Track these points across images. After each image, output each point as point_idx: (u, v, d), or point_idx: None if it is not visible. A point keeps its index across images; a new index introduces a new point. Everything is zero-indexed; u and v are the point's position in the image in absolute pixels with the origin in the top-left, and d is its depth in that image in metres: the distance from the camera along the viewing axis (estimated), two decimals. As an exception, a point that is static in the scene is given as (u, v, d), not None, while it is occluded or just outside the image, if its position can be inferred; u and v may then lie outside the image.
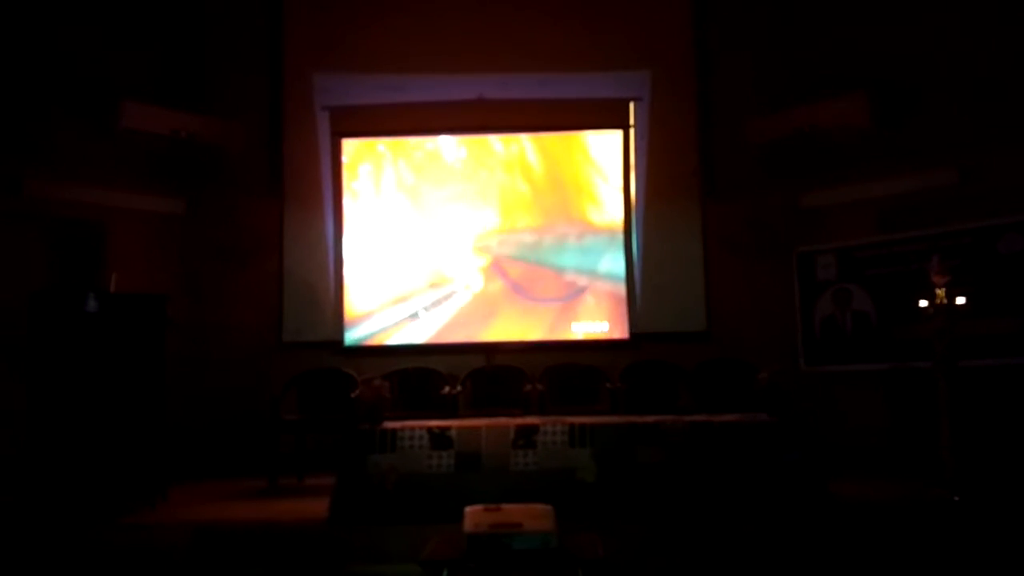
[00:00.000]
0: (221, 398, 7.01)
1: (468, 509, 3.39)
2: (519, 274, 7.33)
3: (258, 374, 7.02)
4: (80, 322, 5.04)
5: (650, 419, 4.72)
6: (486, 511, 3.36)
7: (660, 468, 4.55)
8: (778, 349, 6.73)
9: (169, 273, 6.85)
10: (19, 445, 5.01)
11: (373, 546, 4.15)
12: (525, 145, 7.46)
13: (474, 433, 4.62)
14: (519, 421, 4.90)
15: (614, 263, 7.34)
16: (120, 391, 5.10)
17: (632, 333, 7.26)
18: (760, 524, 4.23)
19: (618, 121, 7.51)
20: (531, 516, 3.31)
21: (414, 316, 7.25)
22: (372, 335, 7.28)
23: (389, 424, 4.70)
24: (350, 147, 7.48)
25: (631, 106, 7.52)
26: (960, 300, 4.76)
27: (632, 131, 7.50)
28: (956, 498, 4.47)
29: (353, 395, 5.63)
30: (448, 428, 4.64)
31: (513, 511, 3.37)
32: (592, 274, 7.33)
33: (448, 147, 7.46)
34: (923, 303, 4.79)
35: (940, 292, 4.74)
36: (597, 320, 7.30)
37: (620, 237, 7.37)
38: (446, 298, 7.29)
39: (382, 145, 7.48)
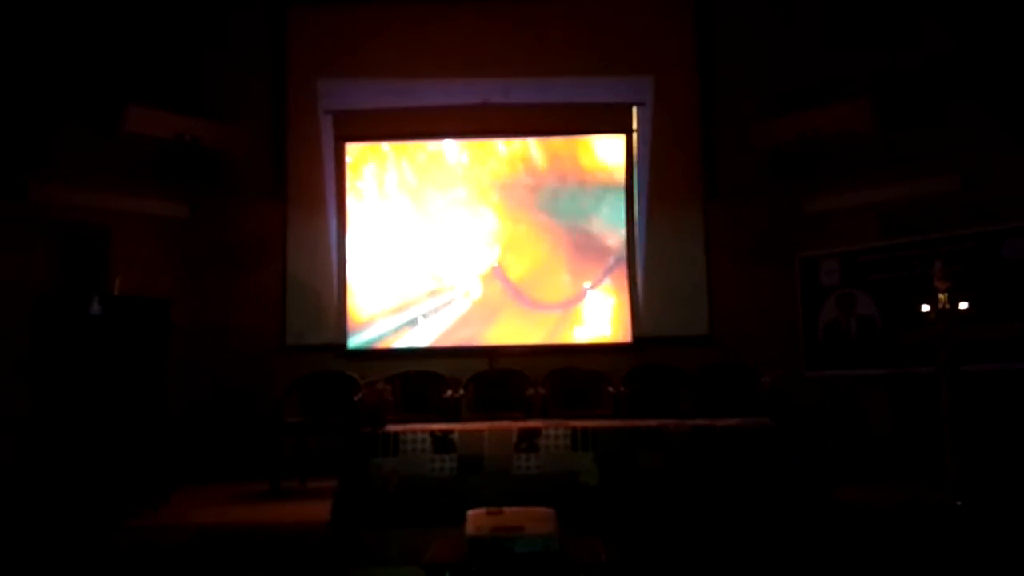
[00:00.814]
0: (224, 401, 7.03)
1: (470, 512, 3.39)
2: (520, 279, 7.33)
3: (261, 377, 7.04)
4: (84, 326, 5.06)
5: (652, 423, 4.72)
6: (488, 514, 3.37)
7: (662, 472, 4.54)
8: (781, 353, 6.72)
9: (173, 277, 6.86)
10: (23, 448, 5.02)
11: (375, 549, 4.16)
12: (529, 149, 7.46)
13: (476, 436, 4.62)
14: (521, 425, 4.91)
15: (617, 268, 7.34)
16: (124, 394, 5.11)
17: (635, 337, 7.26)
18: (763, 529, 4.23)
19: (621, 126, 7.53)
20: (533, 520, 3.32)
21: (413, 323, 7.24)
22: (374, 341, 7.28)
23: (391, 427, 4.70)
24: (353, 151, 7.50)
25: (634, 111, 7.54)
26: (963, 305, 4.76)
27: (635, 135, 7.51)
28: (959, 502, 4.46)
29: (356, 398, 5.64)
30: (450, 431, 4.64)
31: (515, 514, 3.37)
32: (594, 278, 7.33)
33: (451, 151, 7.48)
34: (926, 308, 4.79)
35: (943, 297, 4.74)
36: (600, 324, 7.30)
37: (623, 241, 7.37)
38: (446, 304, 7.29)
39: (385, 149, 7.50)
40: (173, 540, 4.22)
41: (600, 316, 7.31)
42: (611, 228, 7.39)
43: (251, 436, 6.62)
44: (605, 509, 4.39)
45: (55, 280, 6.49)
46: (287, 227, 7.43)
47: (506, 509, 3.45)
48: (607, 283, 7.34)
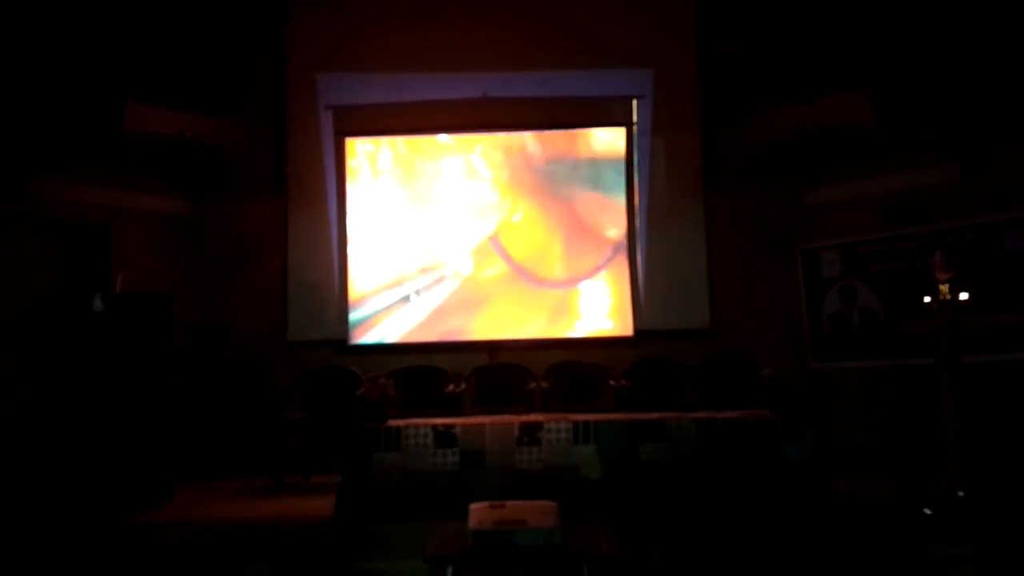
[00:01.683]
0: (226, 397, 7.04)
1: (472, 506, 3.40)
2: (518, 264, 7.33)
3: (263, 373, 7.05)
4: (86, 323, 5.06)
5: (654, 416, 4.73)
6: (490, 508, 3.37)
7: (664, 465, 4.56)
8: (782, 345, 6.73)
9: (174, 273, 6.87)
10: (27, 445, 5.03)
11: (378, 543, 4.17)
12: (528, 142, 7.46)
13: (478, 431, 4.63)
14: (523, 418, 4.92)
15: (617, 260, 7.34)
16: (126, 391, 5.12)
17: (636, 330, 7.26)
18: (764, 520, 4.24)
19: (621, 118, 7.52)
20: (535, 513, 3.32)
21: (405, 299, 7.25)
22: (369, 317, 7.28)
23: (394, 422, 4.72)
24: (354, 146, 7.50)
25: (634, 103, 7.53)
26: (964, 296, 4.75)
27: (635, 128, 7.50)
28: (960, 493, 4.46)
29: (358, 393, 5.65)
30: (452, 426, 4.65)
31: (517, 508, 3.38)
32: (595, 270, 7.33)
33: (452, 145, 7.47)
34: (926, 299, 4.79)
35: (944, 288, 4.73)
36: (600, 317, 7.31)
37: (624, 234, 7.36)
38: (440, 280, 7.29)
39: (386, 144, 7.50)
40: (177, 536, 4.24)
41: (601, 309, 7.32)
42: (611, 221, 7.38)
43: (254, 432, 6.64)
44: (607, 502, 4.40)
45: (56, 277, 6.51)
46: (288, 222, 7.43)
47: (508, 503, 3.46)
48: (607, 276, 7.33)
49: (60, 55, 6.58)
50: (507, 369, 6.78)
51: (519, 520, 3.23)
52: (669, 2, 7.60)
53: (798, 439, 4.62)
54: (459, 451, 4.57)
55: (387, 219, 7.41)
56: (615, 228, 7.38)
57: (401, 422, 4.72)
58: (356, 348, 7.23)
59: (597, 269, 7.35)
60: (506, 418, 4.94)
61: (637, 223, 7.40)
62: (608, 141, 7.48)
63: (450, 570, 3.18)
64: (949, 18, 6.41)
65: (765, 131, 7.08)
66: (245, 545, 4.17)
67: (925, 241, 6.19)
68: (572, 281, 7.34)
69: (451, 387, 6.45)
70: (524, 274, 7.33)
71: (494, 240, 7.35)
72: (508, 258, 7.34)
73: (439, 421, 4.77)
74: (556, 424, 4.64)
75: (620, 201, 7.40)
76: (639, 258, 7.38)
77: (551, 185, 7.42)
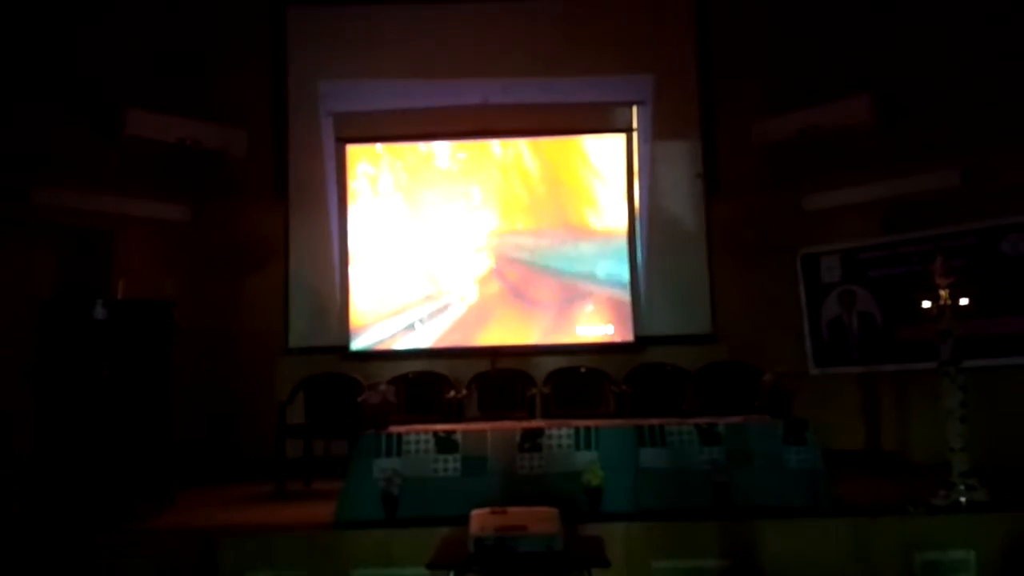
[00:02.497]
0: (228, 403, 7.05)
1: (474, 512, 3.41)
2: (519, 278, 7.33)
3: (265, 379, 7.06)
4: (88, 329, 5.07)
5: (655, 422, 4.73)
6: (492, 514, 3.38)
7: (665, 471, 4.56)
8: (784, 351, 6.73)
9: (176, 280, 6.87)
10: (29, 451, 5.03)
11: (380, 550, 4.17)
12: (527, 150, 7.47)
13: (480, 437, 4.64)
14: (524, 425, 4.93)
15: (618, 266, 7.34)
16: (128, 397, 5.12)
17: (637, 336, 7.26)
18: (766, 526, 4.24)
19: (621, 125, 7.53)
20: (536, 519, 3.33)
21: (410, 328, 7.24)
22: (375, 344, 7.28)
23: (395, 428, 4.72)
24: (355, 152, 7.51)
25: (634, 110, 7.55)
26: (963, 301, 4.76)
27: (635, 135, 7.51)
28: (962, 499, 4.46)
29: (359, 400, 5.66)
30: (454, 432, 4.66)
31: (519, 514, 3.39)
32: (595, 278, 7.33)
33: (452, 152, 7.48)
34: (926, 304, 4.79)
35: (944, 293, 4.74)
36: (602, 323, 7.31)
37: (624, 241, 7.37)
38: (444, 308, 7.27)
39: (386, 150, 7.51)
40: (179, 542, 4.24)
41: (602, 315, 7.32)
42: (611, 228, 7.39)
43: (255, 438, 6.64)
44: (609, 508, 4.40)
45: (58, 284, 6.52)
46: (289, 228, 7.44)
47: (510, 509, 3.47)
48: (608, 283, 7.33)
49: (61, 62, 6.59)
50: (508, 375, 6.78)
51: (520, 526, 3.24)
52: (669, 8, 7.62)
53: (799, 445, 4.62)
54: (460, 457, 4.57)
55: (388, 228, 7.38)
56: (615, 236, 7.37)
57: (402, 428, 4.72)
58: (358, 354, 7.23)
59: (598, 282, 7.34)
60: (507, 424, 4.94)
61: (637, 229, 7.41)
62: (608, 149, 7.48)
63: (452, 576, 3.19)
64: (949, 22, 6.42)
65: (765, 136, 7.10)
66: (246, 551, 4.18)
67: (925, 246, 6.20)
68: (570, 301, 7.34)
69: (452, 393, 6.45)
70: (523, 298, 7.32)
71: (495, 268, 7.34)
72: (506, 282, 7.33)
73: (440, 427, 4.78)
74: (557, 430, 4.64)
75: (621, 209, 7.39)
76: (640, 264, 7.38)
77: (552, 200, 7.41)
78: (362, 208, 7.43)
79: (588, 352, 7.16)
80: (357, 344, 7.26)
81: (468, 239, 7.36)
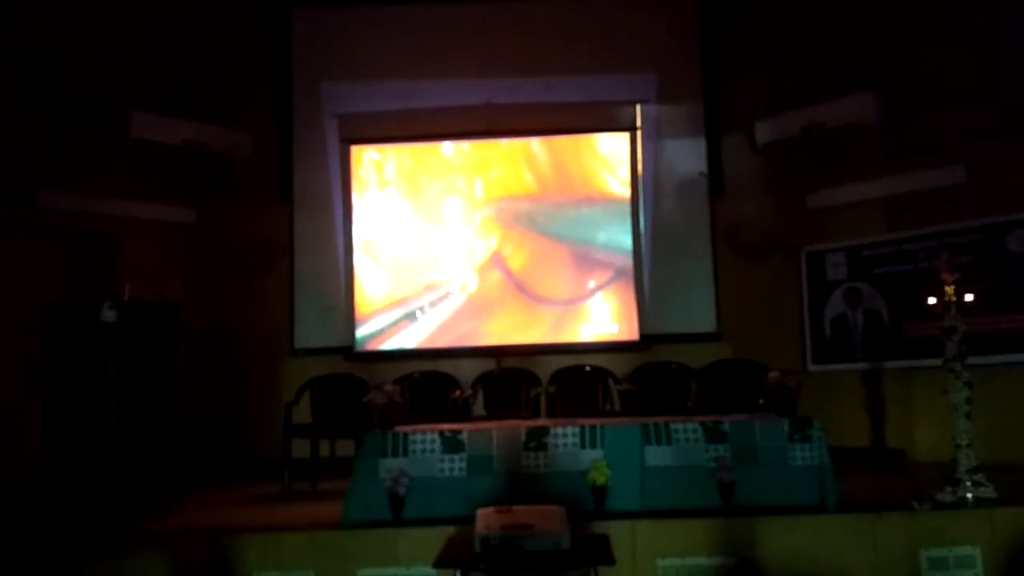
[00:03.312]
0: (234, 404, 7.07)
1: (480, 511, 3.41)
2: (521, 273, 7.34)
3: (271, 380, 7.08)
4: (96, 331, 5.09)
5: (660, 420, 4.73)
6: (498, 513, 3.38)
7: (671, 469, 4.56)
8: (789, 349, 6.74)
9: (181, 281, 6.89)
10: (36, 453, 5.06)
11: (386, 549, 4.18)
12: (532, 148, 7.48)
13: (485, 436, 4.64)
14: (530, 424, 4.93)
15: (623, 266, 7.35)
16: (134, 398, 5.14)
17: (642, 334, 7.26)
18: (772, 524, 4.24)
19: (625, 123, 7.54)
20: (542, 518, 3.33)
21: (412, 317, 7.26)
22: (375, 335, 7.29)
23: (401, 428, 4.73)
24: (359, 153, 7.52)
25: (638, 108, 7.55)
26: (969, 297, 4.75)
27: (639, 133, 7.52)
28: (969, 496, 4.46)
29: (365, 400, 5.67)
30: (459, 432, 4.66)
31: (524, 513, 3.39)
32: (599, 276, 7.34)
33: (456, 152, 7.49)
34: (931, 301, 4.79)
35: (949, 290, 4.73)
36: (606, 322, 7.31)
37: (629, 239, 7.37)
38: (446, 296, 7.30)
39: (391, 151, 7.52)
40: (186, 542, 4.25)
41: (606, 314, 7.33)
42: (616, 226, 7.39)
43: (262, 439, 6.66)
44: (614, 506, 4.40)
45: (65, 286, 6.54)
46: (294, 229, 7.46)
47: (516, 508, 3.47)
48: (612, 281, 7.34)
49: (67, 65, 6.62)
50: (513, 375, 6.79)
51: (527, 525, 3.24)
52: (672, 6, 7.62)
53: (804, 442, 4.61)
54: (466, 457, 4.57)
55: (392, 217, 7.41)
56: (620, 234, 7.37)
57: (408, 428, 4.73)
58: (363, 355, 7.25)
59: (603, 280, 7.34)
60: (513, 423, 4.95)
61: (642, 227, 7.41)
62: (612, 147, 7.48)
63: (458, 575, 3.19)
64: (953, 18, 6.41)
65: (769, 134, 7.09)
66: (253, 551, 4.19)
67: (930, 243, 6.20)
68: (574, 300, 7.34)
69: (458, 393, 6.46)
70: (525, 292, 7.33)
71: (496, 257, 7.35)
72: (510, 274, 7.35)
73: (446, 427, 4.78)
74: (563, 429, 4.64)
75: (625, 207, 7.39)
76: (644, 262, 7.38)
77: (557, 199, 7.43)
78: (366, 198, 7.44)
79: (593, 351, 7.17)
80: (362, 332, 7.28)
81: (470, 228, 7.38)
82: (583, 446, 4.59)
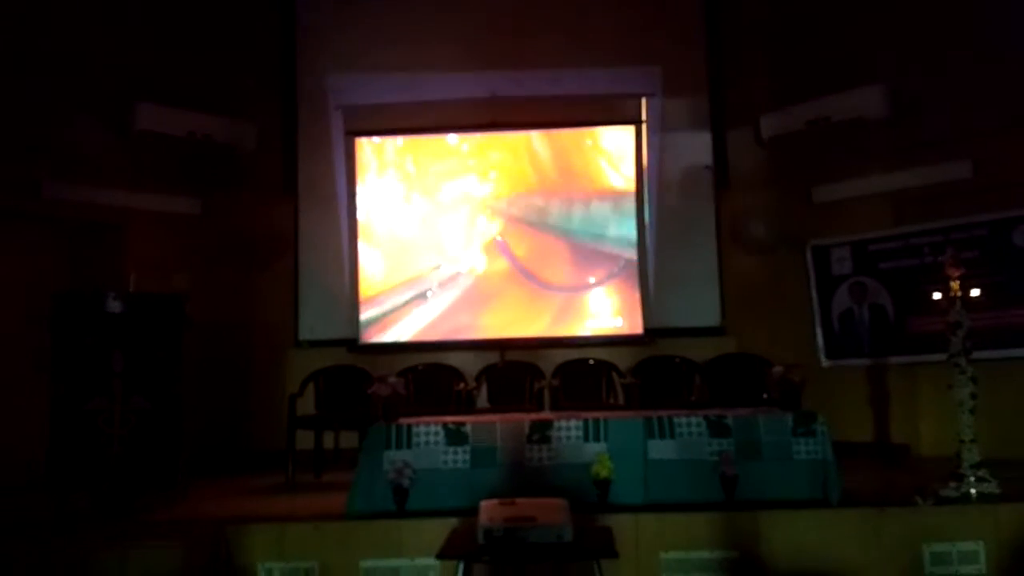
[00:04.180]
0: (239, 395, 7.09)
1: (483, 503, 3.42)
2: (527, 257, 7.35)
3: (275, 371, 7.10)
4: (101, 322, 5.11)
5: (664, 414, 4.73)
6: (501, 505, 3.39)
7: (674, 463, 4.56)
8: (794, 343, 6.72)
9: (186, 273, 6.90)
10: (42, 443, 5.07)
11: (390, 541, 4.19)
12: (536, 142, 7.47)
13: (489, 429, 4.65)
14: (533, 416, 4.93)
15: (627, 259, 7.34)
16: (140, 389, 5.16)
17: (646, 328, 7.26)
18: (775, 518, 4.24)
19: (630, 117, 7.52)
20: (546, 510, 3.34)
21: (422, 296, 7.29)
22: (381, 317, 7.31)
23: (404, 420, 4.74)
24: (364, 146, 7.52)
25: (643, 102, 7.53)
26: (974, 292, 4.74)
27: (644, 127, 7.50)
28: (972, 491, 4.45)
29: (369, 391, 5.67)
30: (463, 424, 4.67)
31: (527, 505, 3.40)
32: (604, 270, 7.33)
33: (461, 144, 7.49)
34: (937, 295, 4.78)
35: (955, 284, 4.72)
36: (610, 315, 7.31)
37: (633, 233, 7.36)
38: (455, 276, 7.34)
39: (396, 143, 7.52)
40: (191, 533, 4.27)
41: (610, 307, 7.33)
42: (621, 219, 7.38)
43: (266, 430, 6.68)
44: (617, 499, 4.41)
45: (70, 277, 6.56)
46: (299, 221, 7.48)
47: (519, 500, 3.48)
48: (617, 275, 7.33)
49: (72, 56, 6.62)
50: (517, 368, 6.80)
51: (530, 517, 3.24)
52: (678, -1, 7.60)
53: (808, 436, 4.61)
54: (470, 449, 4.58)
55: (398, 202, 7.43)
56: (625, 227, 7.36)
57: (412, 420, 4.74)
58: (367, 347, 7.26)
59: (607, 272, 7.34)
60: (516, 416, 4.95)
61: (647, 221, 7.40)
62: (616, 140, 7.47)
63: (461, 567, 3.20)
64: (960, 12, 6.38)
65: (775, 127, 7.08)
66: (258, 542, 4.21)
67: (936, 237, 6.18)
68: (578, 288, 7.34)
69: (461, 386, 6.47)
70: (531, 277, 7.33)
71: (502, 245, 7.36)
72: (514, 259, 7.35)
73: (450, 419, 4.79)
74: (566, 422, 4.65)
75: (630, 201, 7.38)
76: (649, 256, 7.37)
77: (561, 194, 7.43)
78: (372, 200, 7.45)
79: (597, 345, 7.17)
80: (367, 315, 7.30)
81: (474, 221, 7.39)
82: (586, 439, 4.60)
